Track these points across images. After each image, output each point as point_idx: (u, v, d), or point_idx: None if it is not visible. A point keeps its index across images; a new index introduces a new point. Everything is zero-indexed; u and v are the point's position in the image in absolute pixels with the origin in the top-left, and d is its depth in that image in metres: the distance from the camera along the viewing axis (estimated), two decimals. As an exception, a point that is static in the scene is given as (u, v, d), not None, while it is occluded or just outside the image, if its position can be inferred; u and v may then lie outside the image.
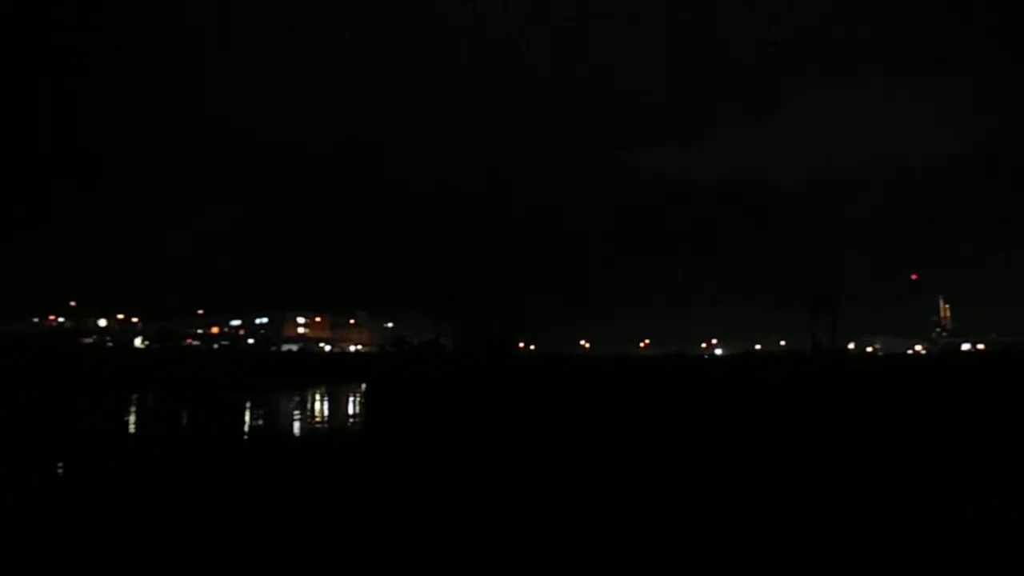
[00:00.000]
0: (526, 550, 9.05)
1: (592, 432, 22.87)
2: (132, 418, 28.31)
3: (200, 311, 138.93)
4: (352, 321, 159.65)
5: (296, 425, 26.15)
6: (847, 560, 8.76)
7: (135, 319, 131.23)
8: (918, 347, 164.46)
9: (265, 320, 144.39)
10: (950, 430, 23.49)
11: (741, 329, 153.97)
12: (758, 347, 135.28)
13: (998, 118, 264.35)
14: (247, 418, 28.57)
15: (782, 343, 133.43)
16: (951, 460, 16.67)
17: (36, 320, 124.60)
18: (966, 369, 62.66)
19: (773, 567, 8.54)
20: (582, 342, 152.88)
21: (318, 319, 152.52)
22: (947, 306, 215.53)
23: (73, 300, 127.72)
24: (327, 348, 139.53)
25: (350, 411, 33.95)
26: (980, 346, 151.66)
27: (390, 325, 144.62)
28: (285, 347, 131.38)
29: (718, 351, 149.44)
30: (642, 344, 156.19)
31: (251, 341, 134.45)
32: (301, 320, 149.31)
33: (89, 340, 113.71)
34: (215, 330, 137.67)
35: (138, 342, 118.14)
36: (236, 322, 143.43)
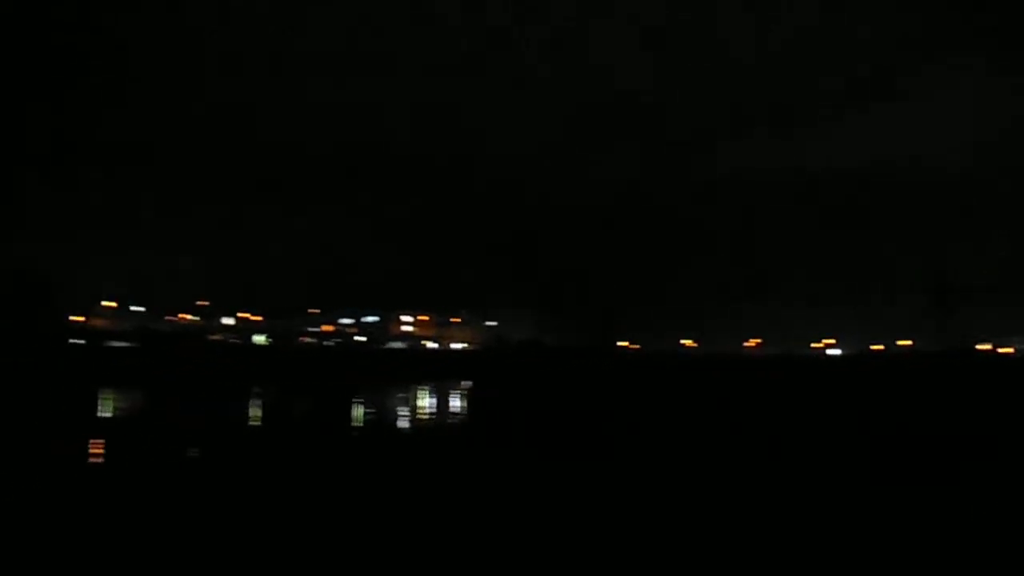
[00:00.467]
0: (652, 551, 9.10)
1: (714, 439, 22.46)
2: (258, 411, 30.38)
3: (312, 310, 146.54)
4: (455, 320, 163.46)
5: (407, 420, 27.20)
6: None
7: (256, 317, 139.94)
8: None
9: (374, 319, 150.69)
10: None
11: (853, 327, 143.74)
12: (880, 347, 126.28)
13: None
14: (360, 412, 30.01)
15: (905, 342, 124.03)
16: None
17: (170, 319, 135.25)
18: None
19: None
20: (685, 340, 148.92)
21: (423, 318, 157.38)
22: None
23: (202, 300, 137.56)
24: (432, 346, 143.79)
25: (456, 407, 34.92)
26: None
27: (492, 324, 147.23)
28: (392, 345, 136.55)
29: (835, 351, 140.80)
30: (751, 343, 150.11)
31: (361, 339, 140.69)
32: (407, 319, 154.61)
33: (217, 337, 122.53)
34: (327, 328, 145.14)
35: (259, 339, 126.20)
36: (347, 320, 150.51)
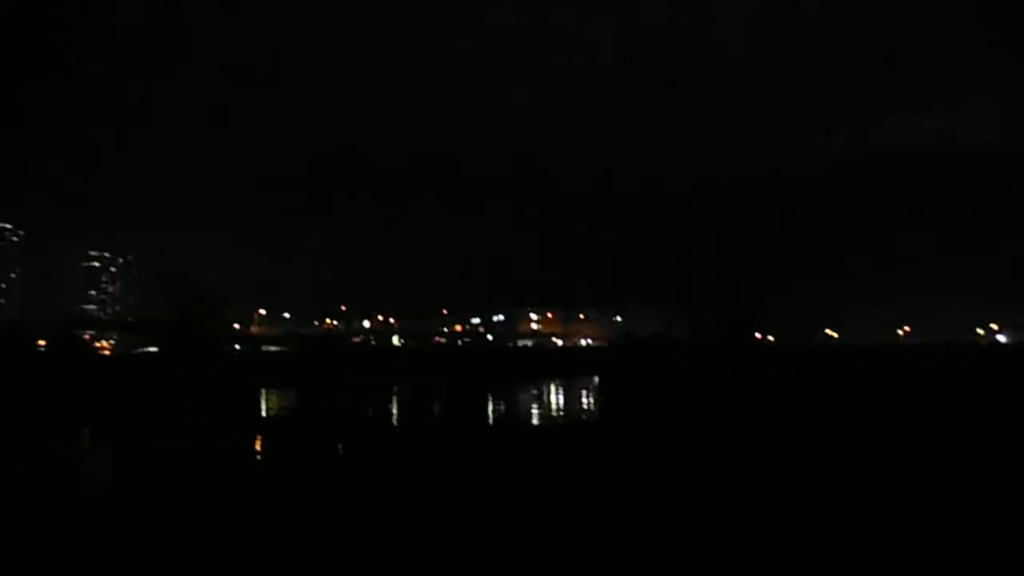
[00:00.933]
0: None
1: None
2: (399, 409, 32.07)
3: (444, 310, 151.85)
4: (582, 316, 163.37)
5: (539, 416, 27.73)
6: None
7: (392, 319, 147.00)
8: None
9: (502, 318, 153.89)
10: None
11: (1013, 313, 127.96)
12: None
13: None
14: (494, 408, 30.94)
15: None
16: None
17: (316, 323, 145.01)
18: None
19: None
20: (827, 331, 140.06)
21: (549, 315, 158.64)
22: None
23: (344, 304, 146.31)
24: (559, 343, 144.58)
25: (585, 403, 35.09)
26: None
27: (619, 319, 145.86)
28: (520, 342, 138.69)
29: (1001, 338, 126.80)
30: (902, 332, 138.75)
31: (490, 337, 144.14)
32: (534, 316, 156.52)
33: (358, 339, 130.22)
34: (458, 328, 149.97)
35: (395, 340, 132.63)
36: (476, 320, 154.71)
